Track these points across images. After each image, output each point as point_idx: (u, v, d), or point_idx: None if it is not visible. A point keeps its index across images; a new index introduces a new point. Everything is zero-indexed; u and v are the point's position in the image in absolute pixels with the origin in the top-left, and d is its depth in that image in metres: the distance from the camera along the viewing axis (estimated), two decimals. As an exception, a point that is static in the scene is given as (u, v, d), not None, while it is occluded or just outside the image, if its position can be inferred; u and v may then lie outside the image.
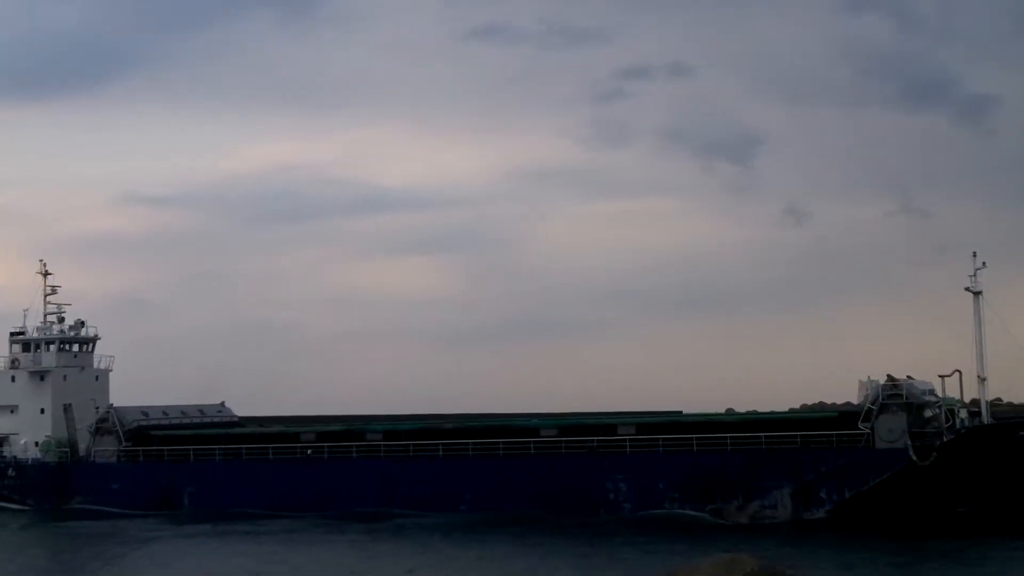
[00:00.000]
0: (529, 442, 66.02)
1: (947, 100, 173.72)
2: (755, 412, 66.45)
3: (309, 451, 70.74)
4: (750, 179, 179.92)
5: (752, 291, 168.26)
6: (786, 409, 69.33)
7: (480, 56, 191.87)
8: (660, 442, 63.19)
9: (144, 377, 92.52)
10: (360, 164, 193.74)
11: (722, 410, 73.16)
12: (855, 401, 69.94)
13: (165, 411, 79.91)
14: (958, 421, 59.17)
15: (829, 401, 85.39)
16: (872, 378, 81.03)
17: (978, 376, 60.93)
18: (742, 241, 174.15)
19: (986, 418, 61.10)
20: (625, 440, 64.09)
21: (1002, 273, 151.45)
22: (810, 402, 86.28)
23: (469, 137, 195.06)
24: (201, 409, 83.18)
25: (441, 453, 67.51)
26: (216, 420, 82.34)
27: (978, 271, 62.05)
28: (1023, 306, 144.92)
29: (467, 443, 67.19)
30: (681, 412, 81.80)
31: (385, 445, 69.31)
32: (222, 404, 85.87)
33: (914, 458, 57.55)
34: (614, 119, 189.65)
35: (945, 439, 57.98)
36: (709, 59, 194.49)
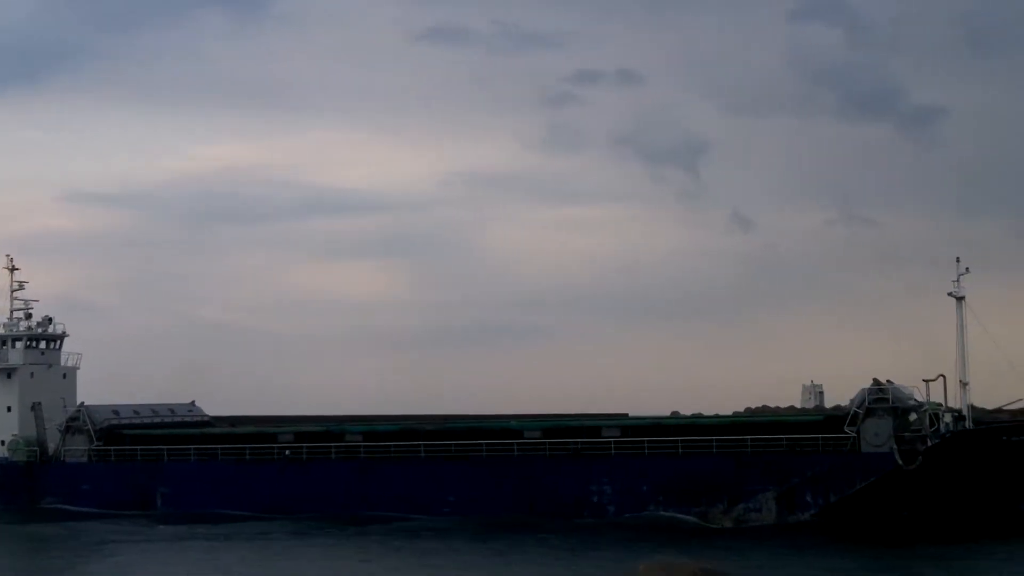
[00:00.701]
0: (512, 444, 65.46)
1: (893, 110, 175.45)
2: (739, 415, 66.21)
3: (287, 452, 69.69)
4: (698, 186, 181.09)
5: (699, 297, 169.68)
6: (730, 413, 69.15)
7: (432, 58, 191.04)
8: (645, 444, 62.86)
9: (97, 376, 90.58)
10: (311, 166, 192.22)
11: (667, 413, 72.92)
12: (798, 405, 70.34)
13: (136, 410, 78.56)
14: (942, 425, 59.31)
15: (773, 405, 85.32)
16: (815, 382, 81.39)
17: (960, 381, 61.08)
18: (689, 248, 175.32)
19: (968, 422, 61.25)
20: (610, 442, 63.68)
21: (945, 283, 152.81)
22: (754, 406, 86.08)
23: (421, 140, 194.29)
24: (172, 408, 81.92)
25: (423, 454, 66.76)
26: (187, 420, 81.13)
27: (961, 276, 62.22)
28: (985, 313, 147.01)
29: (449, 444, 66.49)
30: (627, 415, 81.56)
31: (365, 446, 68.43)
32: (192, 403, 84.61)
33: (900, 462, 57.63)
34: (565, 124, 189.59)
35: (930, 443, 58.14)
36: (658, 66, 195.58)
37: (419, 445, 67.05)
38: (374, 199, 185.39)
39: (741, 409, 69.70)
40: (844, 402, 71.35)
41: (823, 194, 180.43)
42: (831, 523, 58.14)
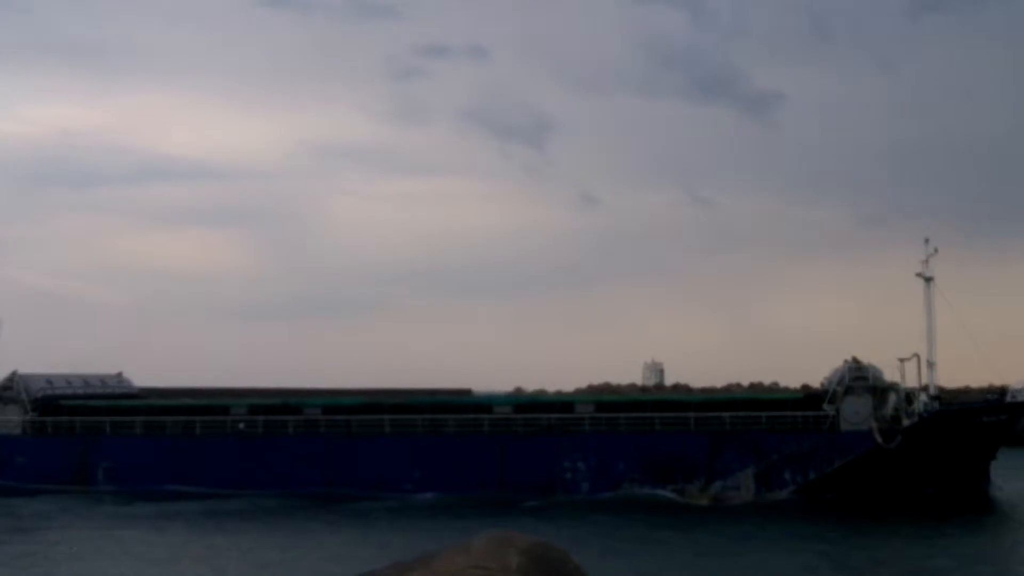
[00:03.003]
0: (483, 419, 63.69)
1: (735, 94, 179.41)
2: (716, 392, 65.38)
3: (242, 425, 66.60)
4: (545, 163, 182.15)
5: (543, 274, 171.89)
6: (572, 389, 68.81)
7: (276, 26, 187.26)
8: (621, 421, 61.79)
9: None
10: (149, 131, 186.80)
11: (511, 389, 72.04)
12: (639, 382, 70.49)
13: (68, 380, 74.31)
14: (919, 405, 59.67)
15: (615, 382, 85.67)
16: (656, 360, 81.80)
17: (927, 361, 61.50)
18: (535, 224, 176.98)
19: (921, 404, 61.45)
20: (584, 418, 62.45)
21: (787, 263, 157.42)
22: (596, 383, 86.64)
23: (262, 108, 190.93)
24: (102, 379, 77.87)
25: (388, 430, 64.49)
26: (118, 391, 77.20)
27: (930, 257, 62.62)
28: (812, 294, 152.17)
29: (415, 419, 64.37)
30: (471, 391, 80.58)
31: (325, 420, 65.80)
32: (120, 375, 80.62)
33: (879, 441, 57.77)
34: (412, 97, 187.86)
35: (907, 423, 58.43)
36: (506, 42, 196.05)
37: (383, 419, 64.75)
38: (215, 167, 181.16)
39: (584, 386, 69.17)
40: (682, 380, 72.81)
41: (667, 174, 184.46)
42: (810, 501, 58.06)
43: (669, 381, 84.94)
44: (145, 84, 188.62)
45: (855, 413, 58.88)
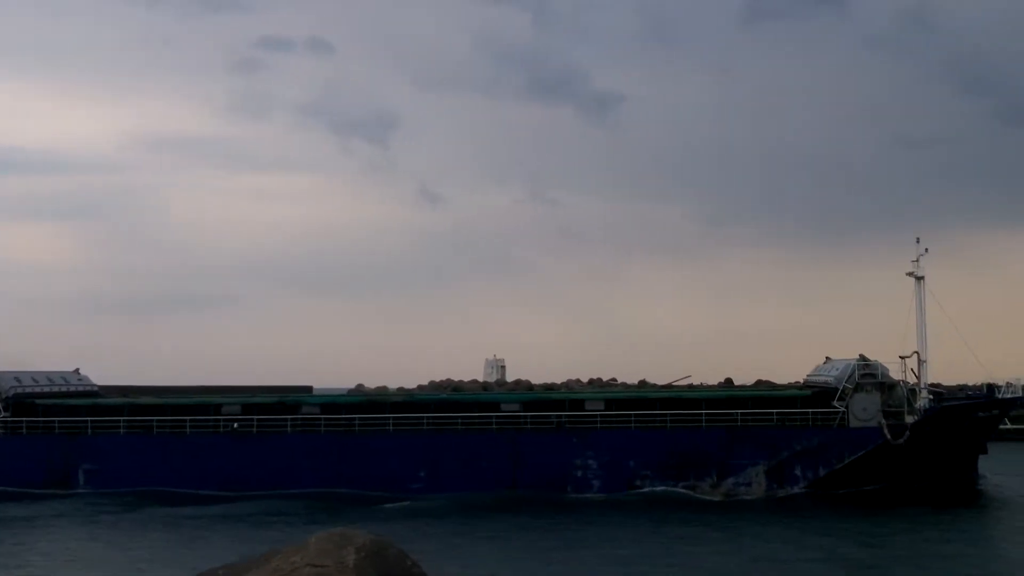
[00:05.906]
0: (491, 416, 62.85)
1: (575, 94, 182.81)
2: (728, 389, 65.81)
3: (235, 424, 64.28)
4: (387, 160, 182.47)
5: (385, 270, 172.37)
6: (414, 386, 69.39)
7: (115, 14, 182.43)
8: (632, 418, 61.74)
9: None
10: None
11: (352, 386, 72.21)
12: (480, 379, 71.71)
13: (34, 378, 70.63)
14: (922, 401, 61.21)
15: (456, 379, 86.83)
16: (498, 357, 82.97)
17: (919, 358, 63.09)
18: (377, 221, 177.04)
19: (924, 400, 63.15)
20: (595, 416, 62.17)
21: (630, 262, 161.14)
22: (438, 379, 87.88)
23: (101, 99, 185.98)
24: (64, 376, 74.31)
25: (391, 428, 63.09)
26: (79, 389, 73.80)
27: (921, 257, 64.21)
28: (653, 293, 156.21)
29: (421, 417, 63.11)
30: (311, 389, 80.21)
31: (325, 419, 63.98)
32: (77, 371, 77.08)
33: (888, 436, 59.06)
34: (253, 90, 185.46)
35: (911, 419, 59.87)
36: (349, 37, 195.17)
37: (387, 418, 63.32)
38: (49, 158, 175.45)
39: (426, 383, 69.87)
40: (524, 376, 74.39)
41: (510, 173, 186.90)
42: (821, 496, 58.99)
43: (511, 377, 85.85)
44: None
45: (864, 410, 60.06)
